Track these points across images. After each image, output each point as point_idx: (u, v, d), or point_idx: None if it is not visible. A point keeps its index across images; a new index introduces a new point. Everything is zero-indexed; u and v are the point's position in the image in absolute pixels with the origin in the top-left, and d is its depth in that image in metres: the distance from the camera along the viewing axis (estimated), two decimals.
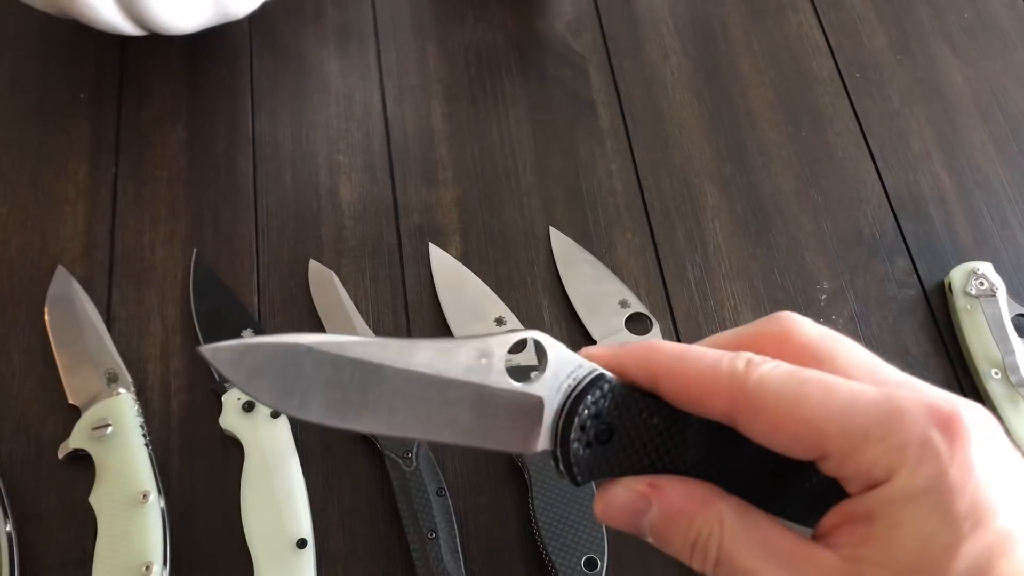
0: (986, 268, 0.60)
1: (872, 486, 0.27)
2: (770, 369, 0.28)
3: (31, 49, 0.69)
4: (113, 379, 0.55)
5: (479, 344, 0.29)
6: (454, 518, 0.52)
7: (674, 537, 0.29)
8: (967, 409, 0.27)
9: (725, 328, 0.59)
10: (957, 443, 0.26)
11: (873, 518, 0.26)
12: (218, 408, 0.55)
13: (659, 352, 0.30)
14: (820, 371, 0.28)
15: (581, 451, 0.30)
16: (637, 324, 0.59)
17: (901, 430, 0.26)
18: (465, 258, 0.61)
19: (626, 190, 0.65)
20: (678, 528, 0.29)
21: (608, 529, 0.52)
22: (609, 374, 0.30)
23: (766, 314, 0.60)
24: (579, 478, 0.30)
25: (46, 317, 0.58)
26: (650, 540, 0.30)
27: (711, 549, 0.29)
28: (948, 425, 0.26)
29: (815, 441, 0.27)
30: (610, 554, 0.51)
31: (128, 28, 0.62)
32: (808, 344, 0.30)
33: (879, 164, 0.67)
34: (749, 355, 0.29)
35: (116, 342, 0.57)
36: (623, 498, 0.30)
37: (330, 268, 0.61)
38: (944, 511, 0.25)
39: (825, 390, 0.27)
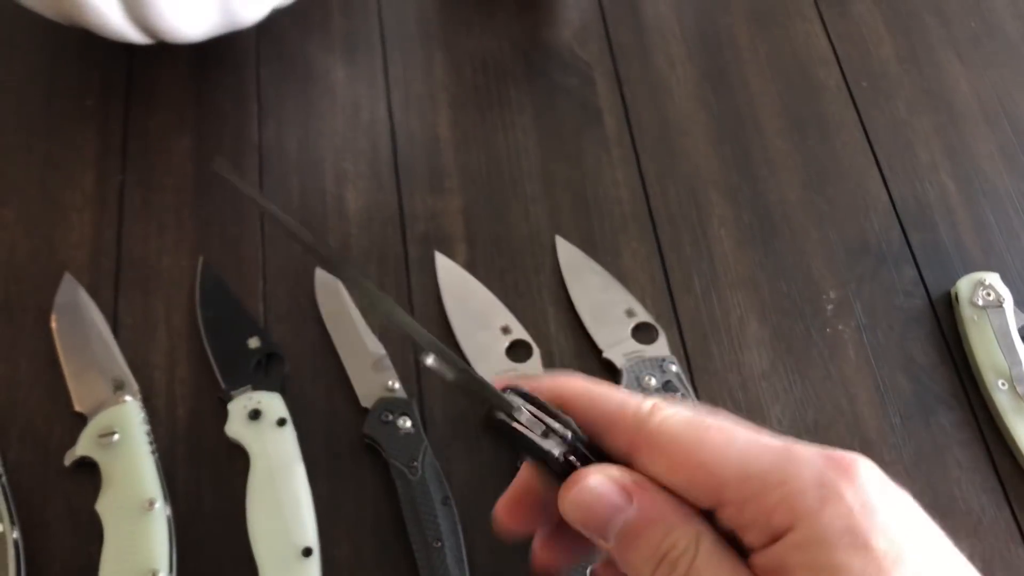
0: (993, 279, 0.60)
1: (774, 536, 0.26)
2: (673, 413, 0.28)
3: (38, 57, 0.69)
4: (119, 386, 0.55)
5: None
6: (460, 527, 0.52)
7: (645, 544, 0.28)
8: (857, 455, 0.27)
9: (732, 337, 0.59)
10: (856, 485, 0.26)
11: (790, 570, 0.26)
12: (224, 416, 0.55)
13: (570, 382, 0.30)
14: (720, 419, 0.28)
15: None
16: (643, 333, 0.59)
17: (799, 475, 0.26)
18: (471, 266, 0.62)
19: (632, 198, 0.65)
20: (652, 535, 0.28)
21: None
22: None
23: (772, 324, 0.60)
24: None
25: (53, 324, 0.58)
26: (605, 544, 0.29)
27: (681, 566, 0.27)
28: (844, 469, 0.26)
29: (713, 486, 0.27)
30: None
31: (136, 36, 0.62)
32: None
33: (886, 173, 0.67)
34: (657, 399, 0.29)
35: (122, 349, 0.57)
36: (604, 489, 0.28)
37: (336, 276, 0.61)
38: (865, 549, 0.25)
39: (725, 436, 0.28)
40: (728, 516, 0.27)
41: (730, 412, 0.56)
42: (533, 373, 0.30)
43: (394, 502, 0.53)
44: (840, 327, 0.60)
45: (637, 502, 0.28)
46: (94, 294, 0.59)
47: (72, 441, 0.53)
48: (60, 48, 0.69)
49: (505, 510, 0.31)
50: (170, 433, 0.55)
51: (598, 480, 0.28)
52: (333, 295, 0.60)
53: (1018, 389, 0.56)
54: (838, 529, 0.25)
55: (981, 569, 0.52)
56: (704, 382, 0.58)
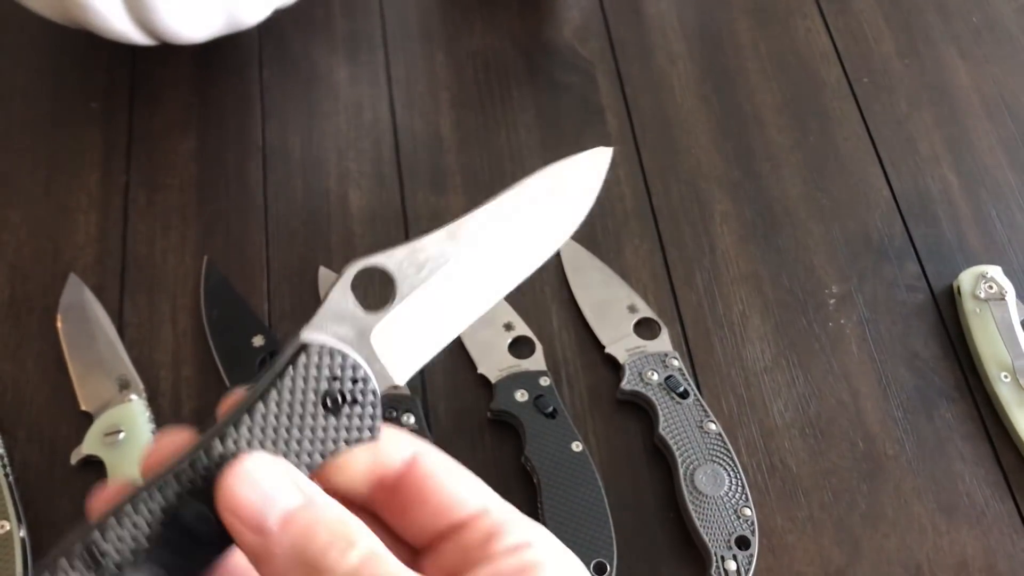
0: (995, 272, 0.60)
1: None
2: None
3: (43, 59, 0.70)
4: (125, 386, 0.56)
5: None
6: None
7: (320, 529, 0.25)
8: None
9: (734, 332, 0.59)
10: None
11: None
12: None
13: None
14: None
15: None
16: (645, 329, 0.59)
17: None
18: None
19: (634, 195, 0.65)
20: (328, 520, 0.26)
21: (617, 533, 0.52)
22: None
23: (774, 319, 0.60)
24: None
25: (59, 324, 0.58)
26: (253, 536, 0.26)
27: (354, 556, 0.25)
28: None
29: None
30: (619, 558, 0.51)
31: (139, 37, 0.62)
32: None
33: (887, 168, 0.67)
34: None
35: (128, 349, 0.58)
36: (279, 469, 0.26)
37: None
38: None
39: None
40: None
41: (733, 407, 0.57)
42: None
43: None
44: (842, 321, 0.60)
45: (307, 489, 0.27)
46: (99, 294, 0.60)
47: (78, 440, 0.54)
48: (64, 50, 0.70)
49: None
50: None
51: (269, 460, 0.27)
52: None
53: (1021, 382, 0.56)
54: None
55: (984, 562, 0.52)
56: (706, 377, 0.58)
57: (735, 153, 0.67)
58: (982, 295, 0.59)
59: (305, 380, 0.27)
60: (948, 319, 0.61)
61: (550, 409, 0.55)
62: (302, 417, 0.27)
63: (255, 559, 0.26)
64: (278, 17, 0.68)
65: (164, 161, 0.66)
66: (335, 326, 0.28)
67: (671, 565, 0.52)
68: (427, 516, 0.28)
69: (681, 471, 0.53)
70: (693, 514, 0.52)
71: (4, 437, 0.55)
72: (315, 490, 0.27)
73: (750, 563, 0.51)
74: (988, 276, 0.60)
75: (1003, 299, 0.59)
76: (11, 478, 0.53)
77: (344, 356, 0.28)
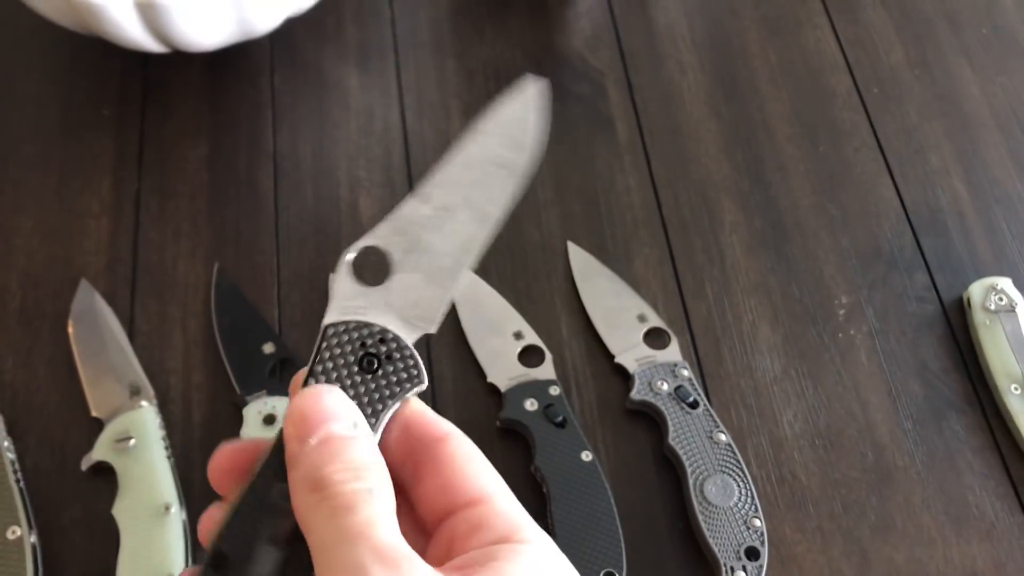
0: (1005, 283, 0.60)
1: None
2: None
3: (56, 66, 0.70)
4: (136, 392, 0.56)
5: None
6: None
7: (347, 456, 0.27)
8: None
9: (744, 342, 0.59)
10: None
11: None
12: (239, 421, 0.55)
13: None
14: None
15: None
16: (655, 339, 0.59)
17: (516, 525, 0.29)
18: (483, 272, 0.62)
19: (644, 205, 0.65)
20: (359, 453, 0.28)
21: (627, 544, 0.52)
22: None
23: (784, 330, 0.60)
24: None
25: (70, 330, 0.58)
26: (298, 445, 0.28)
27: (375, 497, 0.27)
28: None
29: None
30: (628, 568, 0.51)
31: (151, 45, 0.62)
32: None
33: (897, 179, 0.67)
34: None
35: (139, 355, 0.58)
36: (343, 399, 0.29)
37: None
38: None
39: None
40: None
41: (742, 418, 0.57)
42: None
43: None
44: (852, 332, 0.60)
45: (361, 429, 0.29)
46: (110, 300, 0.60)
47: (89, 446, 0.54)
48: (77, 57, 0.70)
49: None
50: (186, 438, 0.56)
51: (340, 395, 0.29)
52: None
53: None
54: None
55: (994, 573, 0.52)
56: (716, 387, 0.58)
57: (745, 163, 0.67)
58: (992, 307, 0.59)
59: (340, 356, 0.30)
60: (958, 330, 0.60)
61: (560, 418, 0.55)
62: (350, 386, 0.30)
63: (288, 466, 0.28)
64: (290, 25, 0.68)
65: (175, 168, 0.66)
66: (351, 304, 0.31)
67: (681, 574, 0.52)
68: (436, 492, 0.30)
69: (691, 481, 0.53)
70: (702, 524, 0.52)
71: (15, 443, 0.55)
72: (365, 431, 0.29)
73: (759, 574, 0.51)
74: (998, 288, 0.60)
75: (1013, 311, 0.59)
76: (22, 484, 0.53)
77: (365, 325, 0.31)
